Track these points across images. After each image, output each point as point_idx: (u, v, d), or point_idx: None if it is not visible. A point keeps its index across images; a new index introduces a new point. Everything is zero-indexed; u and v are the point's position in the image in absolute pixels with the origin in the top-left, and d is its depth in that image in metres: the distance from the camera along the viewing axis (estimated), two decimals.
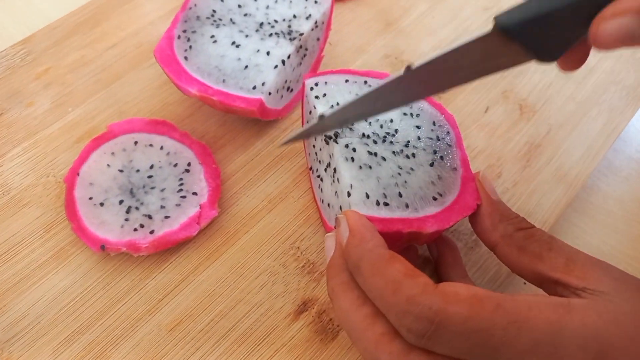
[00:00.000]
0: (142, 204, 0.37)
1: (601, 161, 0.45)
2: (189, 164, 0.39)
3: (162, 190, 0.38)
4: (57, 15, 0.49)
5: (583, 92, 0.47)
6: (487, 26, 0.50)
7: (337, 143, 0.34)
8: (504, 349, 0.24)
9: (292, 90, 0.43)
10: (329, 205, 0.36)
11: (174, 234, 0.37)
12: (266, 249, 0.38)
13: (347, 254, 0.28)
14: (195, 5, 0.41)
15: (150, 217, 0.37)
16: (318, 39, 0.44)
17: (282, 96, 0.41)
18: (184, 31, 0.40)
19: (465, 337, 0.24)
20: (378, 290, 0.26)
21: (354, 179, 0.32)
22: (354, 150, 0.34)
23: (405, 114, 0.37)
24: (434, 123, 0.37)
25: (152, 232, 0.36)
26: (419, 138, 0.35)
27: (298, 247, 0.38)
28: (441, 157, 0.35)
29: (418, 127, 0.36)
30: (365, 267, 0.27)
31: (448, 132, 0.36)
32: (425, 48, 0.49)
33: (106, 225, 0.37)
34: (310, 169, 0.40)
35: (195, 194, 0.38)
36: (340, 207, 0.33)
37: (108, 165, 0.39)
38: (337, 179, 0.33)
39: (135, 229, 0.37)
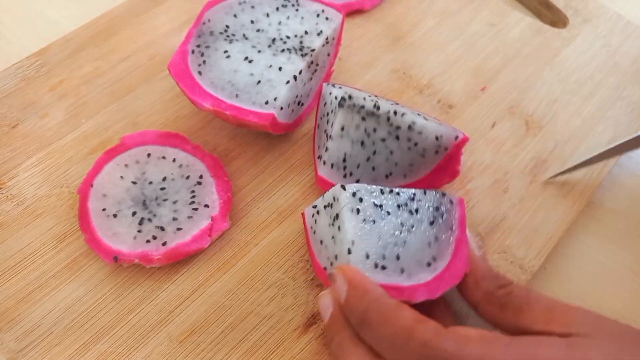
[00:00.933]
0: (154, 215, 0.38)
1: (606, 177, 0.45)
2: (200, 177, 0.40)
3: (175, 202, 0.39)
4: (70, 27, 0.50)
5: (589, 107, 0.48)
6: (493, 42, 0.51)
7: (344, 189, 0.33)
8: None
9: (302, 104, 0.44)
10: (321, 242, 0.35)
11: (186, 246, 0.37)
12: (276, 262, 0.38)
13: (349, 309, 0.29)
14: (209, 20, 0.42)
15: (162, 228, 0.37)
16: (328, 55, 0.45)
17: (292, 110, 0.42)
18: (198, 46, 0.41)
19: None
20: (389, 338, 0.27)
21: (357, 234, 0.32)
22: (361, 200, 0.33)
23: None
24: None
25: (164, 243, 0.37)
26: (425, 192, 0.35)
27: (307, 260, 0.38)
28: (442, 215, 0.34)
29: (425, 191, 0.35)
30: (374, 318, 0.27)
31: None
32: (433, 63, 0.49)
33: (119, 236, 0.37)
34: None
35: (207, 206, 0.39)
36: (336, 257, 0.33)
37: (121, 177, 0.39)
38: (338, 227, 0.33)
39: (148, 241, 0.37)
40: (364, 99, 0.38)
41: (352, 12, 0.52)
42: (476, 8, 0.54)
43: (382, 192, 0.33)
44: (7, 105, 0.45)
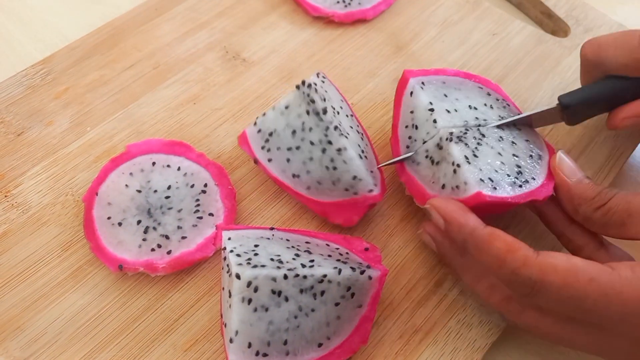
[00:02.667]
0: (159, 224, 0.38)
1: (608, 186, 0.45)
2: (205, 185, 0.40)
3: (179, 210, 0.39)
4: (75, 35, 0.50)
5: None
6: (495, 51, 0.51)
7: (239, 278, 0.31)
8: (594, 315, 0.29)
9: None
10: (225, 325, 0.33)
11: (191, 255, 0.37)
12: None
13: (451, 240, 0.34)
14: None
15: (167, 237, 0.38)
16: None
17: None
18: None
19: (560, 302, 0.29)
20: (486, 265, 0.31)
21: (244, 323, 0.31)
22: (256, 290, 0.31)
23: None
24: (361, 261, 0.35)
25: (169, 252, 0.37)
26: (339, 272, 0.32)
27: None
28: (352, 294, 0.33)
29: (345, 262, 0.34)
30: (471, 248, 0.31)
31: (373, 267, 0.34)
32: None
33: (124, 245, 0.37)
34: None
35: (211, 214, 0.39)
36: (231, 340, 0.31)
37: (126, 185, 0.40)
38: (230, 316, 0.31)
39: (153, 249, 0.37)
40: (324, 100, 0.38)
41: (354, 22, 0.52)
42: (477, 17, 0.54)
43: (285, 277, 0.31)
44: (12, 113, 0.45)
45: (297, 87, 0.39)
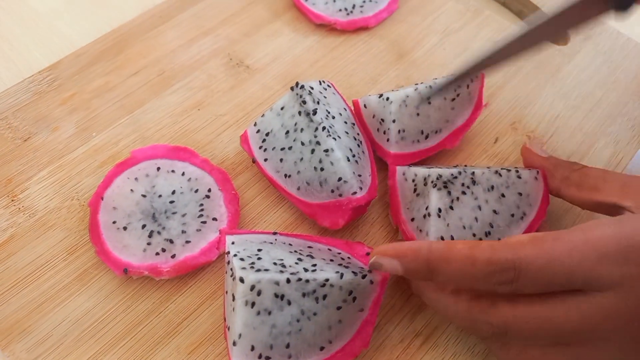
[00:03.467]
0: (163, 228, 0.39)
1: None
2: (209, 190, 0.41)
3: (184, 215, 0.39)
4: (81, 41, 0.51)
5: (590, 123, 0.48)
6: None
7: (243, 282, 0.31)
8: (577, 271, 0.28)
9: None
10: (228, 328, 0.34)
11: (195, 259, 0.38)
12: None
13: (413, 274, 0.32)
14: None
15: (171, 241, 0.38)
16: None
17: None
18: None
19: (543, 272, 0.28)
20: (458, 271, 0.30)
21: (247, 326, 0.31)
22: (259, 293, 0.31)
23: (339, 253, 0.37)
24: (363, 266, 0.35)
25: (173, 256, 0.38)
26: (341, 276, 0.33)
27: None
28: (353, 299, 0.33)
29: (346, 266, 0.34)
30: (436, 265, 0.30)
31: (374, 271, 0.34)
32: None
33: (129, 249, 0.38)
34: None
35: (215, 219, 0.39)
36: (234, 343, 0.31)
37: (131, 190, 0.40)
38: (233, 320, 0.32)
39: (157, 253, 0.38)
40: (317, 102, 0.39)
41: (357, 29, 0.53)
42: (478, 25, 0.55)
43: (288, 281, 0.31)
44: (19, 118, 0.46)
45: (292, 88, 0.40)
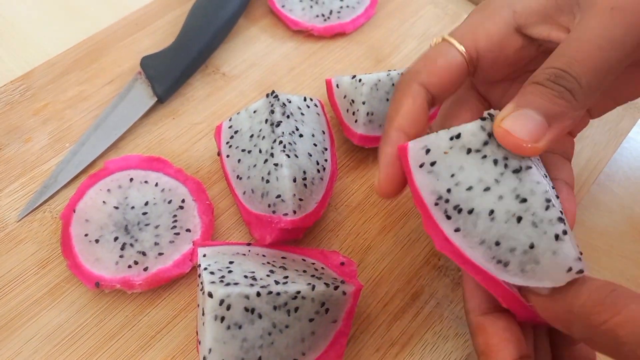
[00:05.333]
0: (136, 240, 0.38)
1: (585, 196, 0.46)
2: (183, 201, 0.40)
3: (157, 227, 0.39)
4: (55, 51, 0.50)
5: None
6: None
7: (211, 297, 0.30)
8: None
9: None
10: (199, 342, 0.33)
11: (167, 271, 0.37)
12: None
13: None
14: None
15: (144, 253, 0.38)
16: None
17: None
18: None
19: None
20: None
21: (217, 341, 0.30)
22: (228, 308, 0.31)
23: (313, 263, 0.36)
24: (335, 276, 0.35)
25: (146, 269, 0.37)
26: (313, 288, 0.32)
27: None
28: (326, 310, 0.33)
29: (319, 277, 0.34)
30: None
31: (347, 282, 0.35)
32: None
33: (101, 262, 0.37)
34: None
35: (188, 230, 0.39)
36: (204, 358, 0.31)
37: (104, 202, 0.40)
38: (203, 334, 0.31)
39: (130, 266, 0.37)
40: (287, 116, 0.40)
41: (334, 35, 0.53)
42: None
43: (258, 294, 0.31)
44: None
45: (267, 95, 0.41)
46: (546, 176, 0.30)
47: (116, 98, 0.46)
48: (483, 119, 0.28)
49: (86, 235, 0.38)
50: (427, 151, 0.29)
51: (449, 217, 0.29)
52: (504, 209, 0.28)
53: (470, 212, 0.28)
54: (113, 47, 0.51)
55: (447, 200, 0.29)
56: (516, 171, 0.28)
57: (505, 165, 0.28)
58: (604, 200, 0.48)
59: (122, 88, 0.48)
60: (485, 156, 0.28)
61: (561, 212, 0.28)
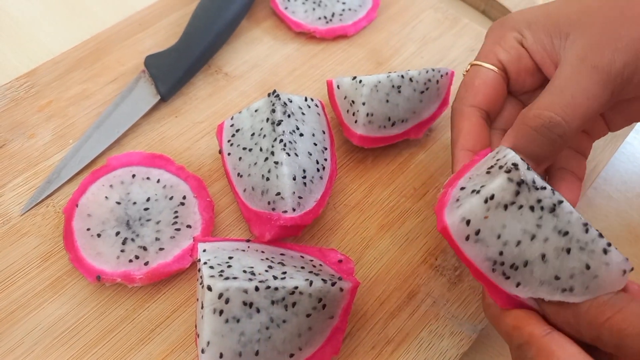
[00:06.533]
0: (137, 235, 0.39)
1: (582, 199, 0.46)
2: (184, 197, 0.41)
3: (158, 222, 0.39)
4: (59, 49, 0.51)
5: None
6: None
7: (210, 290, 0.31)
8: None
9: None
10: (198, 336, 0.33)
11: (168, 266, 0.38)
12: None
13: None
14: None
15: (145, 248, 0.38)
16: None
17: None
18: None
19: None
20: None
21: (215, 334, 0.31)
22: (227, 301, 0.31)
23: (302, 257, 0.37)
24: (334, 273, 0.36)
25: (146, 263, 0.38)
26: (310, 284, 0.33)
27: None
28: (323, 306, 0.33)
29: (317, 274, 0.35)
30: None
31: (345, 279, 0.35)
32: None
33: (102, 256, 0.38)
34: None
35: (189, 226, 0.40)
36: (203, 350, 0.31)
37: (106, 197, 0.40)
38: (202, 328, 0.32)
39: (131, 260, 0.38)
40: (288, 115, 0.40)
41: (336, 37, 0.53)
42: (456, 34, 0.55)
43: (257, 289, 0.32)
44: None
45: (268, 95, 0.41)
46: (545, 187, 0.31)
47: (119, 96, 0.47)
48: (508, 171, 0.30)
49: (88, 229, 0.39)
50: (468, 222, 0.30)
51: (507, 277, 0.30)
52: (552, 248, 0.29)
53: (526, 264, 0.30)
54: (117, 46, 0.51)
55: (502, 263, 0.30)
56: (552, 210, 0.29)
57: (542, 208, 0.29)
58: (601, 203, 0.48)
59: (125, 86, 0.48)
60: (521, 206, 0.30)
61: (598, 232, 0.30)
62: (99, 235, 0.39)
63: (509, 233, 0.30)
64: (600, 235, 0.29)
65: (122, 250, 0.38)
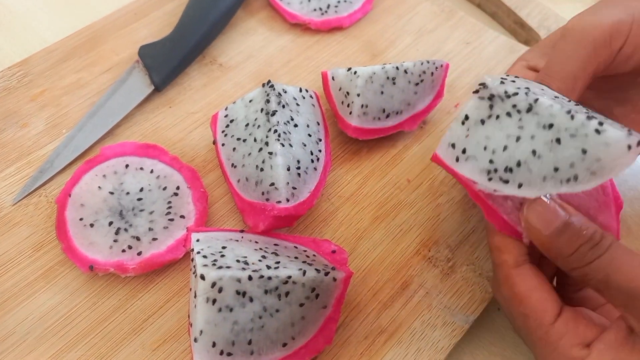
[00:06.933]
0: (130, 225, 0.39)
1: None
2: (177, 188, 0.41)
3: (151, 212, 0.39)
4: (54, 38, 0.51)
5: None
6: (468, 60, 0.52)
7: (204, 279, 0.31)
8: None
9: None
10: (191, 325, 0.33)
11: (161, 256, 0.38)
12: None
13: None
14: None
15: (138, 238, 0.38)
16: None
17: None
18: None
19: None
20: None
21: (208, 323, 0.31)
22: (220, 290, 0.31)
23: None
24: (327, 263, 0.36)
25: (139, 253, 0.38)
26: (304, 273, 0.33)
27: None
28: (316, 295, 0.33)
29: (310, 264, 0.34)
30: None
31: (338, 269, 0.35)
32: None
33: (95, 246, 0.38)
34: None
35: (182, 217, 0.39)
36: (195, 339, 0.31)
37: (99, 187, 0.40)
38: (195, 317, 0.32)
39: (124, 250, 0.38)
40: (282, 106, 0.40)
41: (331, 29, 0.53)
42: (452, 26, 0.55)
43: (250, 278, 0.32)
44: None
45: (263, 85, 0.41)
46: (557, 97, 0.32)
47: (113, 86, 0.47)
48: (476, 91, 0.32)
49: (81, 219, 0.39)
50: (453, 145, 0.33)
51: (506, 182, 0.31)
52: (541, 143, 0.30)
53: (519, 164, 0.30)
54: (111, 35, 0.51)
55: (495, 170, 0.31)
56: (529, 110, 0.30)
57: (518, 111, 0.30)
58: None
59: (119, 76, 0.48)
60: (498, 116, 0.31)
61: (586, 110, 0.30)
62: (91, 225, 0.39)
63: (494, 142, 0.31)
64: (589, 118, 0.28)
65: (115, 240, 0.38)
